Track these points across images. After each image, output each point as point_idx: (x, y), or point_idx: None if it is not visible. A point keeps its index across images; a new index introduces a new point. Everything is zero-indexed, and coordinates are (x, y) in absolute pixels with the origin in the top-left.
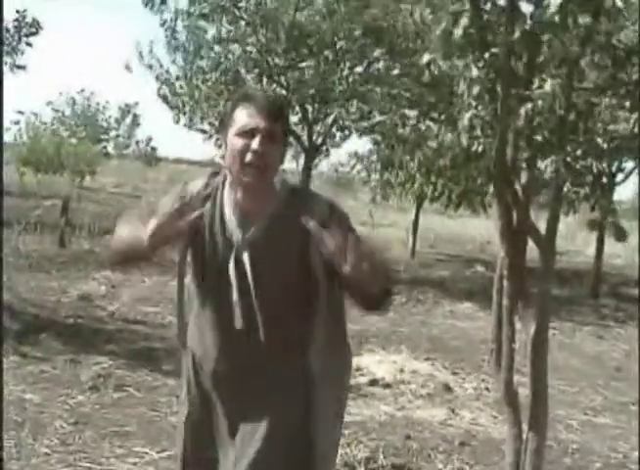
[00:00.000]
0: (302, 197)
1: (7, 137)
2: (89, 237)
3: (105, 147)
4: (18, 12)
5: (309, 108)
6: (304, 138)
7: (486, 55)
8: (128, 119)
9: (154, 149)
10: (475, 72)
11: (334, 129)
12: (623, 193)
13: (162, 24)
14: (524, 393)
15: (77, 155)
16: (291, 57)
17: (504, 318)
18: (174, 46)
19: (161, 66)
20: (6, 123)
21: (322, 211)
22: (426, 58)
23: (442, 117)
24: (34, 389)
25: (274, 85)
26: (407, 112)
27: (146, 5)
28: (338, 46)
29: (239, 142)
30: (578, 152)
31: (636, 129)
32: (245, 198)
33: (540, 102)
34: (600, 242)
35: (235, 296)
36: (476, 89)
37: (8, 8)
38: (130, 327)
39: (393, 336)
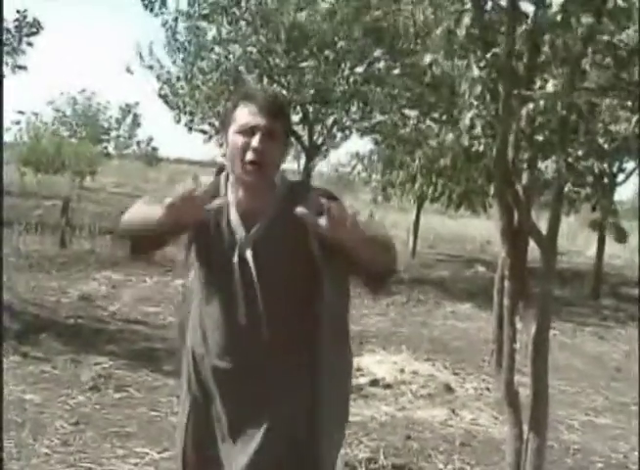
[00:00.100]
0: (301, 192)
1: (8, 137)
2: (90, 237)
3: (105, 147)
4: (18, 12)
5: (310, 108)
6: (305, 138)
7: (488, 55)
8: (129, 119)
9: (154, 149)
10: (476, 72)
11: (334, 129)
12: (624, 193)
13: (164, 24)
14: (524, 393)
15: (78, 155)
16: (291, 57)
17: (505, 319)
18: (175, 47)
19: (162, 66)
20: (7, 123)
21: (316, 201)
22: (428, 58)
23: (443, 117)
24: (35, 389)
25: (275, 85)
26: (408, 112)
27: (146, 7)
28: (338, 46)
29: (239, 140)
30: (580, 152)
31: (637, 130)
32: (246, 196)
33: (542, 102)
34: (601, 242)
35: (239, 293)
36: (477, 89)
37: (8, 8)
38: (131, 327)
39: (394, 336)
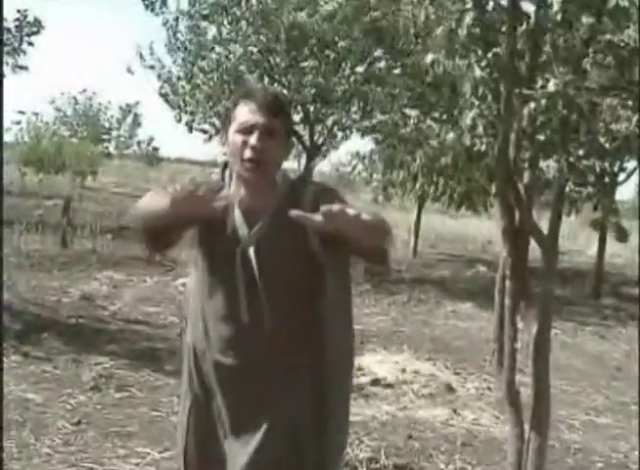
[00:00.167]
0: (301, 189)
1: (8, 137)
2: (91, 237)
3: (106, 147)
4: (19, 11)
5: (311, 108)
6: (306, 138)
7: (489, 54)
8: (129, 119)
9: (155, 149)
10: (478, 72)
11: (335, 129)
12: (625, 193)
13: (165, 24)
14: (525, 393)
15: (79, 155)
16: (292, 57)
17: (506, 318)
18: (175, 46)
19: (163, 66)
20: (7, 123)
21: (310, 199)
22: (429, 57)
23: (444, 116)
24: (36, 389)
25: (275, 85)
26: (408, 111)
27: (147, 7)
28: (339, 46)
29: (238, 138)
30: (581, 151)
31: (637, 129)
32: (248, 194)
33: (543, 101)
34: (602, 242)
35: (241, 291)
36: (479, 89)
37: (8, 8)
38: (132, 327)
39: (395, 336)
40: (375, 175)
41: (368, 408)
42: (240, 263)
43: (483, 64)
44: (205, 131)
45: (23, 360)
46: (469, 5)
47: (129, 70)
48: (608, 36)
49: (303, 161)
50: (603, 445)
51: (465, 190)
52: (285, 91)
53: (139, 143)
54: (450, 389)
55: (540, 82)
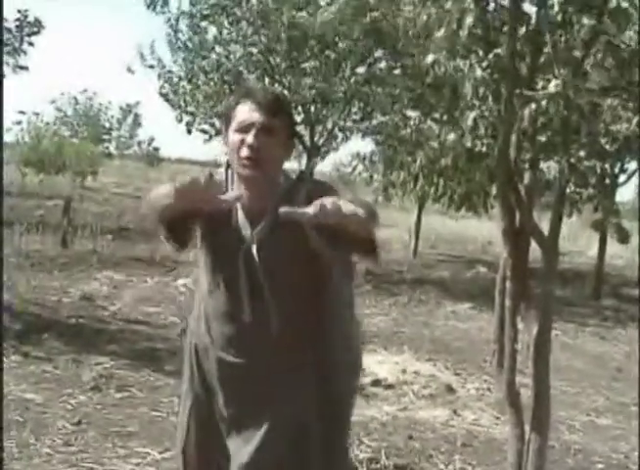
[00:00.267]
0: (298, 187)
1: (9, 137)
2: (91, 237)
3: (107, 147)
4: (19, 11)
5: (311, 108)
6: (306, 138)
7: (490, 55)
8: (130, 119)
9: (156, 149)
10: (478, 73)
11: (336, 130)
12: (626, 194)
13: (167, 21)
14: (526, 393)
15: (79, 155)
16: (292, 57)
17: (506, 319)
18: (176, 46)
19: (164, 66)
20: (8, 124)
21: (303, 196)
22: (430, 58)
23: (444, 117)
24: (36, 389)
25: (276, 85)
26: (409, 112)
27: (148, 7)
28: (339, 46)
29: (237, 137)
30: (582, 153)
31: (638, 130)
32: (249, 193)
33: (544, 102)
34: (602, 243)
35: (244, 289)
36: (479, 90)
37: (8, 8)
38: (132, 327)
39: (395, 336)
40: (375, 176)
41: (368, 409)
42: (243, 262)
43: (484, 64)
44: (205, 131)
45: (24, 360)
46: (470, 5)
47: (129, 70)
48: (608, 37)
49: (304, 161)
50: (603, 445)
51: (465, 191)
52: (285, 91)
53: (139, 143)
54: (450, 389)
55: (541, 83)
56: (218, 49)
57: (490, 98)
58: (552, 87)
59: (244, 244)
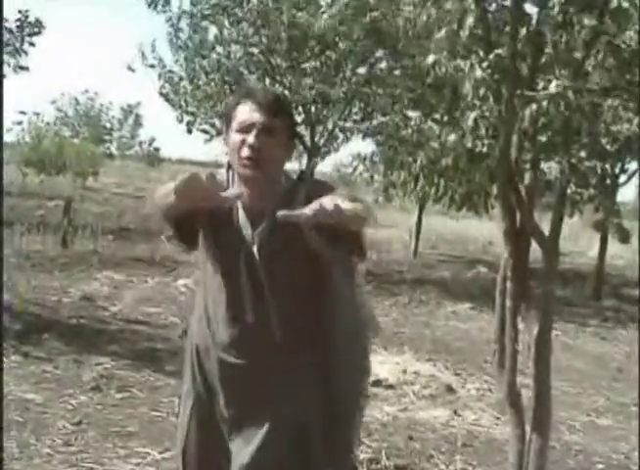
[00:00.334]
0: (298, 188)
1: (10, 138)
2: (92, 237)
3: (108, 147)
4: (20, 12)
5: (312, 108)
6: (307, 139)
7: (491, 56)
8: (131, 120)
9: (157, 149)
10: (479, 73)
11: (336, 130)
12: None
13: (168, 21)
14: (526, 394)
15: (80, 155)
16: (292, 57)
17: (507, 319)
18: (177, 45)
19: (165, 66)
20: (9, 124)
21: (302, 197)
22: (431, 59)
23: (444, 118)
24: (37, 389)
25: (276, 86)
26: (409, 113)
27: (149, 5)
28: (340, 47)
29: (237, 137)
30: (583, 153)
31: (638, 130)
32: (250, 194)
33: (545, 103)
34: (603, 243)
35: (246, 290)
36: (480, 90)
37: (8, 8)
38: (132, 327)
39: (396, 337)
40: (376, 176)
41: (369, 409)
42: (244, 263)
43: (485, 65)
44: (206, 131)
45: (24, 361)
46: (471, 6)
47: (130, 68)
48: (608, 38)
49: (304, 161)
50: (604, 446)
51: (466, 191)
52: (286, 92)
53: (140, 144)
54: (451, 390)
55: (542, 84)
56: (219, 49)
57: (491, 98)
58: (553, 88)
59: (245, 244)
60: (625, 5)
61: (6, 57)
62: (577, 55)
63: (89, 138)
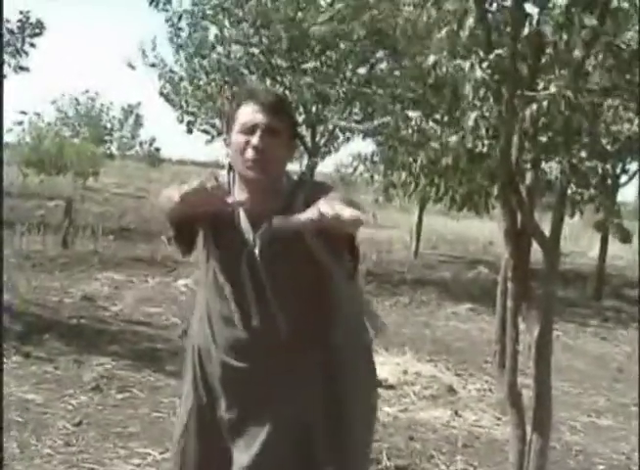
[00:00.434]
0: (299, 190)
1: (10, 138)
2: (92, 238)
3: (108, 148)
4: (21, 12)
5: (313, 108)
6: (307, 139)
7: (491, 56)
8: (131, 120)
9: (157, 150)
10: (479, 73)
11: (337, 131)
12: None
13: (168, 21)
14: (527, 394)
15: (80, 155)
16: (292, 57)
17: (508, 320)
18: (177, 44)
19: (166, 65)
20: (9, 124)
21: (302, 200)
22: (431, 59)
23: (444, 118)
24: (37, 389)
25: (277, 86)
26: (410, 113)
27: (150, 3)
28: (340, 47)
29: (241, 139)
30: (583, 153)
31: (638, 131)
32: (253, 195)
33: (545, 103)
34: (604, 244)
35: (248, 292)
36: (481, 90)
37: (8, 8)
38: (133, 328)
39: (396, 337)
40: (376, 177)
41: None
42: (246, 265)
43: (485, 65)
44: (206, 132)
45: (25, 361)
46: (471, 6)
47: (130, 65)
48: (608, 38)
49: (304, 162)
50: (604, 446)
51: (467, 191)
52: (287, 92)
53: (141, 144)
54: (451, 390)
55: (542, 84)
56: (219, 49)
57: (492, 99)
58: (553, 88)
59: (246, 246)
60: (625, 5)
61: (7, 57)
62: (577, 55)
63: (89, 138)
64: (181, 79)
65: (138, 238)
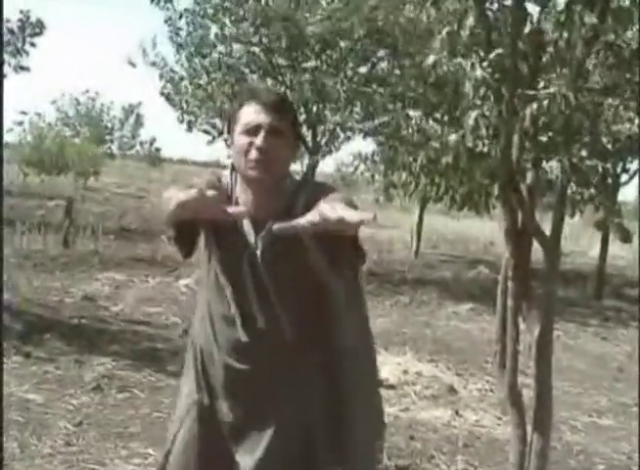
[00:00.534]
0: (300, 191)
1: (11, 138)
2: (93, 237)
3: (109, 147)
4: (21, 12)
5: (313, 108)
6: (308, 139)
7: (492, 55)
8: (132, 120)
9: (158, 149)
10: (480, 73)
11: (337, 130)
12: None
13: (167, 21)
14: (528, 394)
15: (81, 155)
16: (293, 57)
17: (508, 319)
18: (178, 43)
19: (166, 64)
20: (10, 124)
21: (303, 202)
22: (432, 58)
23: (445, 117)
24: (38, 389)
25: (277, 85)
26: (410, 112)
27: (151, 1)
28: (340, 46)
29: (244, 139)
30: (584, 152)
31: (639, 130)
32: (255, 196)
33: (546, 102)
34: (604, 243)
35: (250, 293)
36: (481, 90)
37: (8, 8)
38: (134, 328)
39: (397, 337)
40: (377, 176)
41: None
42: (247, 266)
43: (485, 64)
44: (207, 132)
45: (25, 361)
46: (471, 5)
47: (131, 63)
48: (608, 37)
49: (305, 161)
50: (605, 446)
51: (467, 191)
52: (288, 91)
53: (141, 144)
54: (452, 390)
55: (542, 83)
56: (220, 48)
57: (492, 98)
58: (553, 87)
59: (248, 248)
60: (626, 4)
61: (7, 57)
62: (578, 54)
63: (90, 138)
64: (182, 79)
65: (139, 238)
